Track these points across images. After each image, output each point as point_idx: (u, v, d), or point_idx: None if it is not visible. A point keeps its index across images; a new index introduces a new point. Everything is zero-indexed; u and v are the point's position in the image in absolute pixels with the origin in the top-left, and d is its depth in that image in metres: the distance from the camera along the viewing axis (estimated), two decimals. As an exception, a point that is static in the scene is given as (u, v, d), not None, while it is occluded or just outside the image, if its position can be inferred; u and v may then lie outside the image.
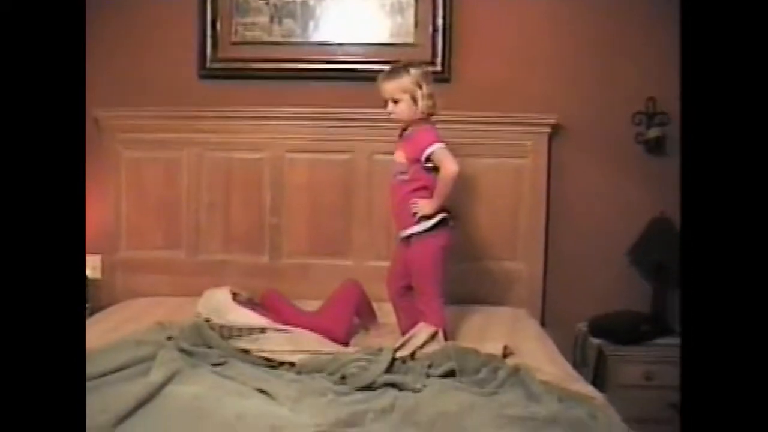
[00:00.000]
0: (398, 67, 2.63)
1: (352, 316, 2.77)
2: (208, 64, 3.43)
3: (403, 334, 2.60)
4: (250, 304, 2.76)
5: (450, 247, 2.64)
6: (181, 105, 3.39)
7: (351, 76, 3.38)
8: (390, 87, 2.58)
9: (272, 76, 3.42)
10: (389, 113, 2.62)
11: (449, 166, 2.53)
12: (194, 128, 3.38)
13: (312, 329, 2.56)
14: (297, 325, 2.57)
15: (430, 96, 2.58)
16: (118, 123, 3.39)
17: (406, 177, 2.61)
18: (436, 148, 2.54)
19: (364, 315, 2.83)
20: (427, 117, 2.61)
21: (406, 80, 2.57)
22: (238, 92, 3.43)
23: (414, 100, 2.56)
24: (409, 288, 2.71)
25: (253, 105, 3.37)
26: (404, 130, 2.67)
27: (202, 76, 3.44)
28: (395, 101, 2.59)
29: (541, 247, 3.38)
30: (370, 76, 3.26)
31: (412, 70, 2.59)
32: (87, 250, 3.31)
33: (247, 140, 3.39)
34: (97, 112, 3.35)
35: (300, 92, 3.41)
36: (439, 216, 2.59)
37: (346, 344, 2.61)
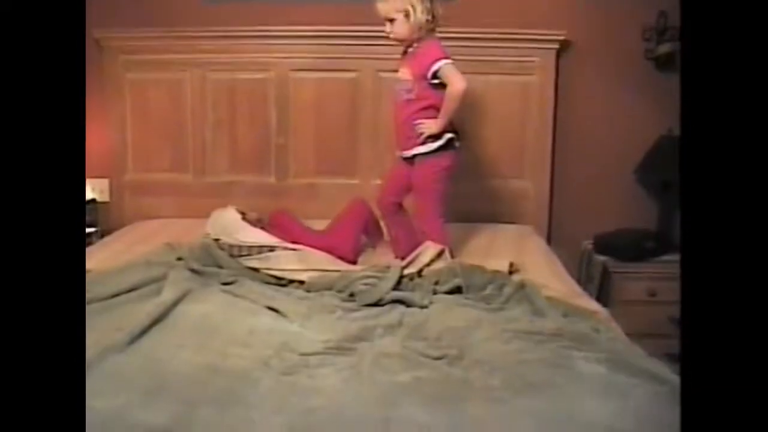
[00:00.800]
0: None
1: (360, 235, 2.79)
2: (210, -17, 3.36)
3: (397, 248, 2.65)
4: (259, 223, 2.78)
5: (455, 167, 2.62)
6: (183, 25, 3.34)
7: (354, -8, 3.31)
8: (384, 7, 2.53)
9: (275, -5, 3.36)
10: (387, 33, 2.57)
11: (457, 82, 2.47)
12: (198, 49, 3.34)
13: (320, 248, 2.57)
14: (306, 244, 2.59)
15: (429, 11, 2.51)
16: (120, 44, 3.36)
17: (411, 95, 2.57)
18: (442, 64, 2.48)
19: (372, 233, 2.85)
20: (430, 32, 2.56)
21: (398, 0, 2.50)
22: (242, 11, 3.37)
23: (407, 17, 2.50)
24: (399, 205, 2.72)
25: (256, 24, 3.31)
26: (408, 47, 2.62)
27: (205, -5, 3.38)
28: (391, 20, 2.54)
29: (547, 165, 3.37)
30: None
31: None
32: (94, 173, 3.36)
33: (251, 60, 3.36)
34: (99, 33, 3.31)
35: (304, 10, 3.36)
36: (446, 137, 2.56)
37: (354, 262, 2.64)
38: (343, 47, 3.30)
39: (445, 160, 2.59)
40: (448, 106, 2.50)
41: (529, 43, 3.26)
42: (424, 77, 2.52)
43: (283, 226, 2.82)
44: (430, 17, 2.52)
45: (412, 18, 2.50)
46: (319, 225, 2.88)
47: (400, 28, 2.53)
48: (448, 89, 2.49)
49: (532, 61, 3.28)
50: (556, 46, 3.27)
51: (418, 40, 2.55)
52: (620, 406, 1.52)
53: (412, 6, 2.49)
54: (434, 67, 2.49)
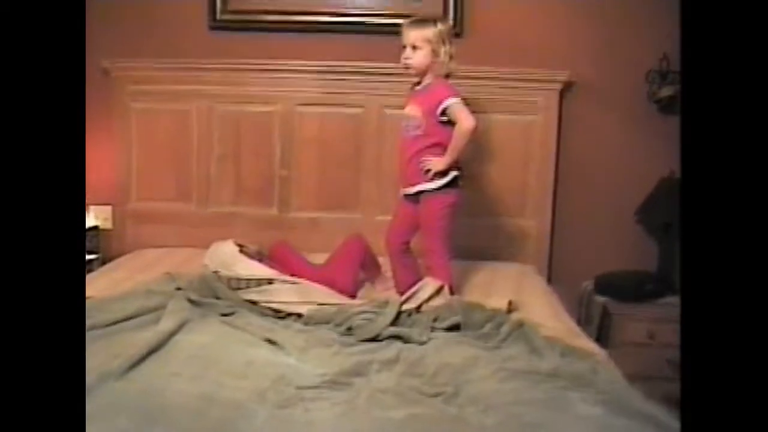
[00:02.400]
0: (427, 18, 2.61)
1: (358, 270, 2.80)
2: (218, 16, 3.40)
3: (400, 290, 2.62)
4: (258, 256, 2.79)
5: (459, 204, 2.64)
6: (191, 57, 3.38)
7: (362, 29, 3.36)
8: (414, 34, 2.55)
9: (283, 29, 3.40)
10: (405, 59, 2.57)
11: (465, 120, 2.50)
12: (204, 80, 3.37)
13: (319, 281, 2.58)
14: (304, 278, 2.60)
15: (451, 56, 2.56)
16: (127, 74, 3.39)
17: (419, 132, 2.58)
18: (452, 102, 2.51)
19: (369, 268, 2.85)
20: (445, 76, 2.60)
21: (431, 31, 2.54)
22: (249, 44, 3.41)
23: (434, 52, 2.54)
24: (407, 245, 2.73)
25: (263, 57, 3.35)
26: (417, 84, 2.65)
27: (213, 28, 3.42)
28: (414, 48, 2.55)
29: (549, 205, 3.38)
30: (381, 30, 3.28)
31: (440, 24, 2.57)
32: (98, 200, 3.38)
33: (257, 93, 3.39)
34: (107, 62, 3.35)
35: (310, 45, 3.39)
36: (452, 174, 2.58)
37: (352, 297, 2.64)
38: (349, 82, 3.33)
39: (450, 197, 2.60)
40: (456, 143, 2.52)
41: (532, 83, 3.29)
42: (433, 114, 2.54)
43: (284, 258, 2.83)
44: (450, 61, 2.57)
45: (440, 54, 2.54)
46: (320, 258, 2.88)
47: (422, 59, 2.56)
48: (457, 127, 2.51)
49: (536, 101, 3.31)
50: (560, 86, 3.29)
51: (433, 77, 2.58)
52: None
53: (443, 41, 2.54)
54: (443, 105, 2.51)
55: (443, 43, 2.54)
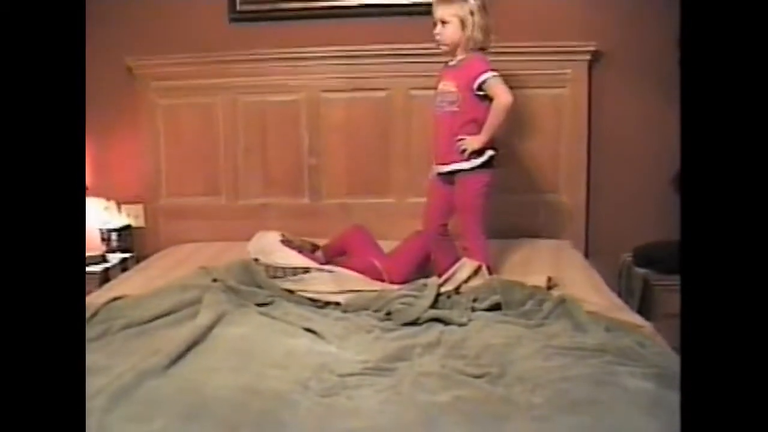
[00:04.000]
0: None
1: (416, 266, 2.71)
2: (238, 7, 3.38)
3: (439, 272, 2.57)
4: (299, 248, 2.76)
5: (495, 183, 2.61)
6: (212, 50, 3.37)
7: (383, 12, 3.32)
8: (442, 9, 2.52)
9: (302, 16, 3.37)
10: (435, 34, 2.54)
11: (503, 94, 2.46)
12: (227, 73, 3.36)
13: (378, 268, 2.59)
14: (367, 262, 2.62)
15: (484, 29, 2.51)
16: (151, 71, 3.39)
17: (454, 107, 2.54)
18: (489, 76, 2.47)
19: (425, 267, 2.76)
20: (480, 50, 2.55)
21: (458, 6, 2.50)
22: (270, 34, 3.39)
23: (463, 25, 2.49)
24: (445, 227, 2.69)
25: (285, 46, 3.33)
26: (450, 60, 2.60)
27: (233, 20, 3.40)
28: (444, 23, 2.52)
29: (583, 178, 3.33)
30: (403, 11, 3.24)
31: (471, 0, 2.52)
32: (129, 199, 3.40)
33: (281, 82, 3.37)
34: (131, 60, 3.35)
35: (332, 31, 3.36)
36: (488, 153, 2.54)
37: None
38: (372, 66, 3.30)
39: (486, 176, 2.57)
40: (494, 120, 2.48)
41: (560, 56, 3.23)
42: (469, 89, 2.50)
43: (356, 240, 2.84)
44: (483, 36, 2.52)
45: (468, 27, 2.50)
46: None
47: (452, 34, 2.52)
48: (495, 102, 2.47)
49: (565, 74, 3.25)
50: (588, 57, 3.23)
51: (468, 52, 2.54)
52: (669, 422, 1.46)
53: (472, 14, 2.49)
54: (480, 79, 2.48)
55: (473, 16, 2.49)
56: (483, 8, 2.53)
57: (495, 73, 2.48)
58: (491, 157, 2.56)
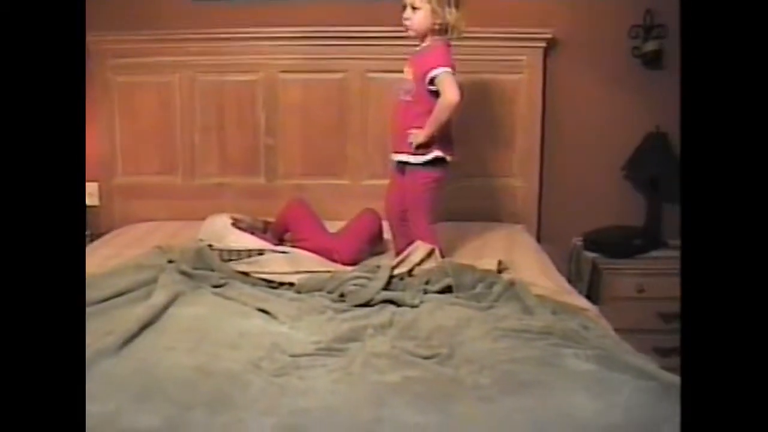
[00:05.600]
0: None
1: (365, 244, 2.73)
2: (197, -15, 3.36)
3: (399, 254, 2.60)
4: (251, 228, 2.77)
5: (445, 179, 2.58)
6: (171, 28, 3.33)
7: (342, -7, 3.32)
8: None
9: (262, -4, 3.36)
10: (404, 19, 2.49)
11: (450, 93, 2.40)
12: (186, 51, 3.34)
13: (324, 247, 2.58)
14: (311, 241, 2.61)
15: (456, 20, 2.46)
16: (108, 48, 3.35)
17: (409, 97, 2.52)
18: (440, 72, 2.41)
19: (377, 244, 2.80)
20: (446, 40, 2.50)
21: None
22: (230, 13, 3.36)
23: (434, 12, 2.43)
24: (405, 213, 2.69)
25: (244, 26, 3.31)
26: (417, 46, 2.56)
27: (192, -2, 3.38)
28: (414, 8, 2.45)
29: (536, 163, 3.38)
30: (362, -6, 3.24)
31: None
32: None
33: (239, 62, 3.35)
34: (88, 36, 3.28)
35: (291, 12, 3.35)
36: (434, 154, 2.50)
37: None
38: (331, 48, 3.30)
39: (435, 172, 2.55)
40: (436, 116, 2.44)
41: (516, 42, 3.27)
42: (423, 81, 2.47)
43: (296, 218, 2.80)
44: (451, 25, 2.47)
45: (440, 14, 2.44)
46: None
47: (421, 20, 2.46)
48: (440, 99, 2.43)
49: (520, 60, 3.29)
50: (544, 44, 3.28)
51: (433, 40, 2.50)
52: (610, 402, 1.53)
53: (445, 5, 2.44)
54: (432, 73, 2.43)
55: (445, 4, 2.44)
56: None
57: (447, 69, 2.42)
58: (438, 158, 2.52)
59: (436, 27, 2.47)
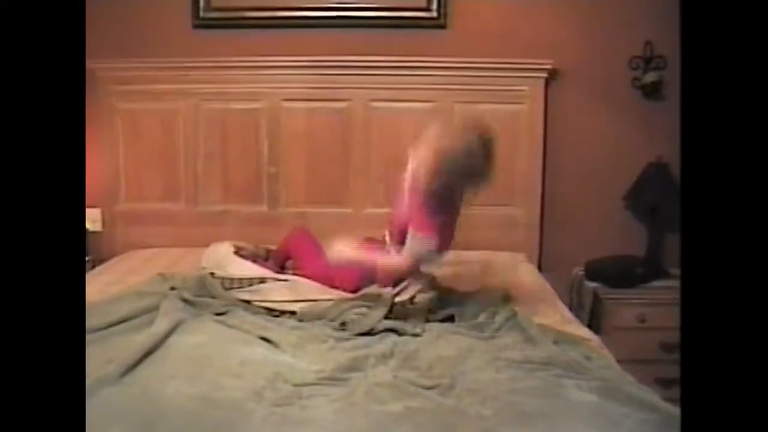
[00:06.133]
0: None
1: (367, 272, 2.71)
2: (201, 14, 3.40)
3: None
4: (253, 256, 2.78)
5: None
6: (175, 56, 3.37)
7: (346, 23, 3.36)
8: None
9: (267, 25, 3.40)
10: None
11: (402, 258, 2.34)
12: (190, 79, 3.37)
13: (326, 275, 2.54)
14: (312, 269, 2.58)
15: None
16: (112, 75, 3.38)
17: (403, 205, 2.41)
18: (413, 233, 2.30)
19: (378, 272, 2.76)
20: None
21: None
22: (233, 42, 3.40)
23: None
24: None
25: (248, 54, 3.35)
26: None
27: (196, 26, 3.41)
28: None
29: (538, 193, 3.40)
30: (365, 24, 3.28)
31: None
32: (87, 203, 3.35)
33: (243, 90, 3.38)
34: (92, 63, 3.32)
35: (295, 41, 3.39)
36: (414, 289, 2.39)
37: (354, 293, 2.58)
38: (334, 77, 3.33)
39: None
40: (384, 268, 2.38)
41: (518, 72, 3.30)
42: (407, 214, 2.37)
43: (298, 246, 2.77)
44: None
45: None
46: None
47: None
48: (398, 256, 2.36)
49: (522, 90, 3.32)
50: (545, 75, 3.31)
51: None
52: (610, 433, 1.53)
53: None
54: (410, 231, 2.32)
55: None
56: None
57: (421, 235, 2.29)
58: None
59: None
